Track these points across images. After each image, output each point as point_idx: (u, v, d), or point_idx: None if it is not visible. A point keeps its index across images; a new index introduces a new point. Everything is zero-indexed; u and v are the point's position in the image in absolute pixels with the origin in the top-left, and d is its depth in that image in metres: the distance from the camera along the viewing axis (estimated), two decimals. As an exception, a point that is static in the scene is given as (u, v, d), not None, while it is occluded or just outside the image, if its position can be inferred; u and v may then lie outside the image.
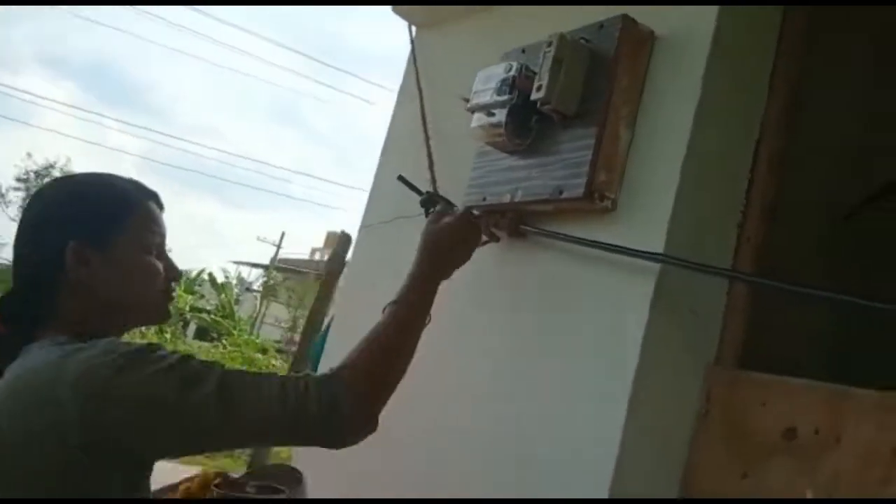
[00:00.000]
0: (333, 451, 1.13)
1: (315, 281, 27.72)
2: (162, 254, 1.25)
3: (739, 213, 1.49)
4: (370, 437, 1.14)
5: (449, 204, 1.86)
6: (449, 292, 1.38)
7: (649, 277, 1.40)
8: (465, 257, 1.43)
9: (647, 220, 1.44)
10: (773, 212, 1.47)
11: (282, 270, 28.93)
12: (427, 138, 2.02)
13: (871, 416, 1.21)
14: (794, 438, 1.29)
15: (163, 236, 1.26)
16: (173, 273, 1.27)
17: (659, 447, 1.40)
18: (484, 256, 1.70)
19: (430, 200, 1.88)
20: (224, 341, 18.14)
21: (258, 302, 26.71)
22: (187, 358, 1.06)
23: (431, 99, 2.16)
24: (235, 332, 19.42)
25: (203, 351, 15.91)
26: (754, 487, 1.32)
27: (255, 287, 29.46)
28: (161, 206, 1.28)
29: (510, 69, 1.59)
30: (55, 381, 1.01)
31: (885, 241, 1.51)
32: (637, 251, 1.39)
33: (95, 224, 1.19)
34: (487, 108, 1.62)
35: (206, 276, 22.03)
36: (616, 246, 1.42)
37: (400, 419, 1.73)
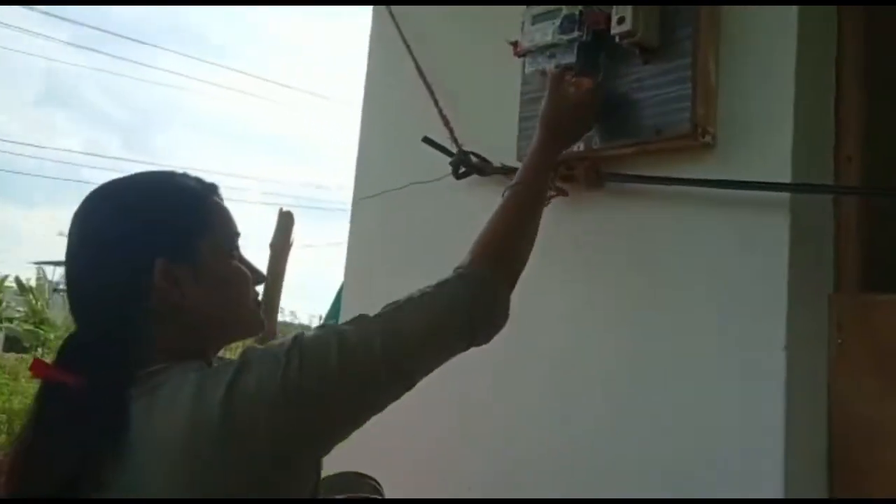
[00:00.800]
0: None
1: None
2: (241, 256, 1.07)
3: (833, 136, 1.44)
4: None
5: (485, 161, 1.71)
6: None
7: (779, 211, 1.32)
8: (586, 129, 1.42)
9: (758, 154, 1.36)
10: (868, 130, 1.42)
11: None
12: (433, 96, 1.82)
13: None
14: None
15: (239, 234, 1.07)
16: (260, 277, 1.09)
17: (808, 384, 1.34)
18: (554, 214, 1.56)
19: (461, 161, 1.72)
20: (40, 350, 16.65)
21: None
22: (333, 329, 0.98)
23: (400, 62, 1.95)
24: (52, 339, 17.95)
25: (22, 363, 14.40)
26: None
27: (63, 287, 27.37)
28: (222, 199, 1.08)
29: (575, 7, 1.44)
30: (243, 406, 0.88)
31: None
32: (774, 184, 1.30)
33: (178, 233, 1.00)
34: (549, 49, 1.46)
35: (12, 282, 20.01)
36: (746, 182, 1.32)
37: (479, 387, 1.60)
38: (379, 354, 0.96)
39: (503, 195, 1.21)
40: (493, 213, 1.19)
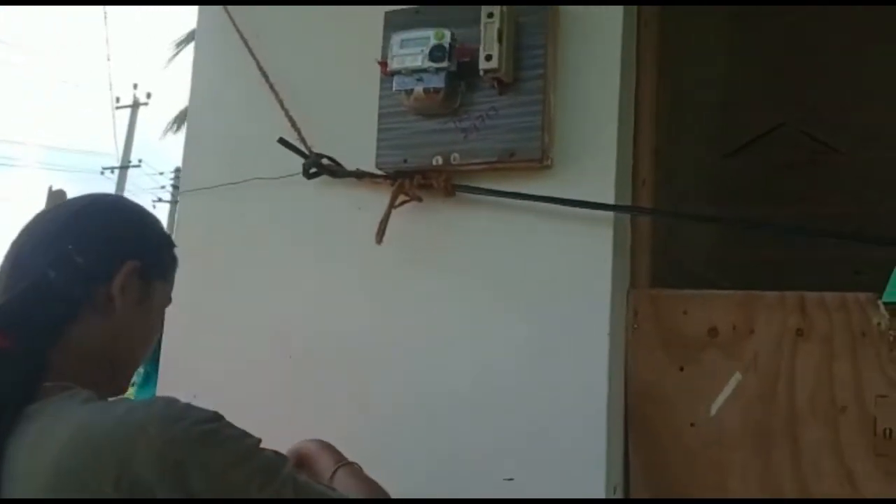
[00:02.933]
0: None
1: None
2: None
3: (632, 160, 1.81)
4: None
5: (338, 165, 1.85)
6: (382, 261, 1.55)
7: (604, 225, 1.66)
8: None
9: (586, 174, 1.68)
10: (658, 156, 1.82)
11: None
12: (278, 96, 1.91)
13: (775, 311, 1.67)
14: (716, 336, 1.71)
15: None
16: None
17: (616, 359, 1.70)
18: (411, 218, 1.77)
19: (315, 162, 1.85)
20: None
21: None
22: (253, 438, 0.94)
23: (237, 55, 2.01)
24: None
25: None
26: (691, 375, 1.71)
27: None
28: None
29: (443, 37, 1.64)
30: (132, 441, 0.85)
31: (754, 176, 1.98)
32: (603, 204, 1.63)
33: (156, 258, 1.10)
34: (418, 73, 1.66)
35: None
36: (581, 201, 1.64)
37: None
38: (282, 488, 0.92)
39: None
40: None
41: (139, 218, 1.11)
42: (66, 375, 0.96)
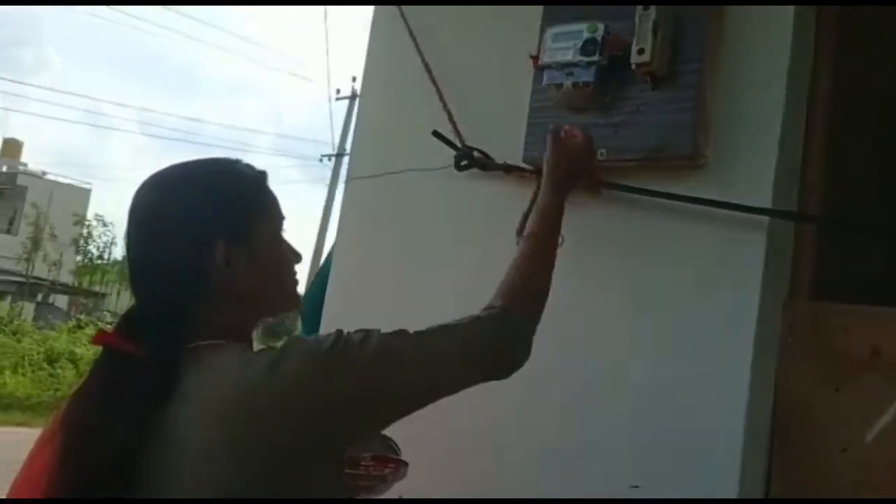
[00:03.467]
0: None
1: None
2: (285, 238, 1.19)
3: (800, 165, 1.69)
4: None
5: (489, 158, 1.87)
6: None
7: (757, 230, 1.57)
8: (587, 176, 1.56)
9: (743, 176, 1.59)
10: (830, 161, 1.69)
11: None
12: (438, 90, 1.97)
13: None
14: (879, 356, 1.56)
15: (284, 218, 1.19)
16: (298, 258, 1.20)
17: (763, 372, 1.60)
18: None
19: (466, 155, 1.88)
20: None
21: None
22: (372, 333, 1.07)
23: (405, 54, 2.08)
24: None
25: None
26: (848, 398, 1.58)
27: None
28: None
29: (596, 30, 1.62)
30: (279, 386, 0.99)
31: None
32: (758, 208, 1.54)
33: (238, 217, 1.11)
34: (568, 67, 1.64)
35: None
36: (734, 204, 1.56)
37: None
38: (414, 365, 1.09)
39: (517, 243, 1.38)
40: (514, 261, 1.32)
41: (201, 191, 1.11)
42: (227, 330, 1.07)
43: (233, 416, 0.97)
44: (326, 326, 2.12)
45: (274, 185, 1.18)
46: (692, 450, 1.56)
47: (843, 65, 1.73)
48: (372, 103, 2.19)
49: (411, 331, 1.12)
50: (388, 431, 1.22)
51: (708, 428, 1.55)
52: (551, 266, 1.34)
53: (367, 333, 1.06)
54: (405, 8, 2.11)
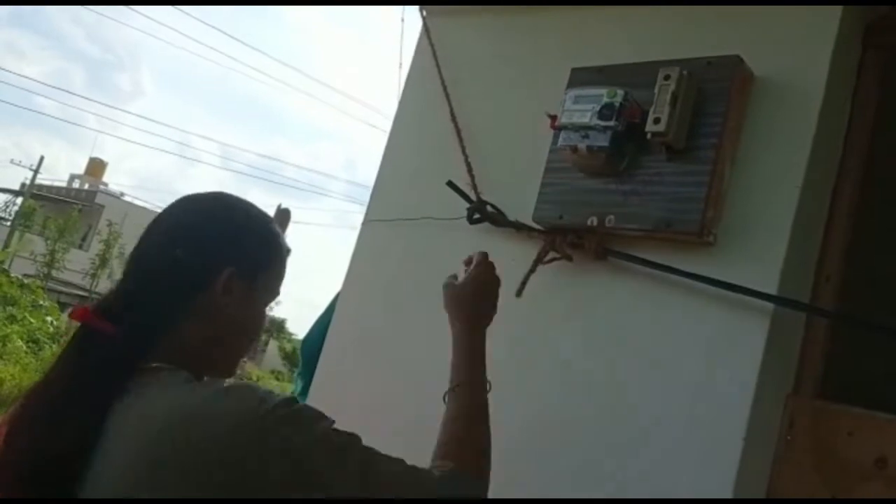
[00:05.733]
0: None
1: (77, 210, 25.60)
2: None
3: (817, 254, 1.61)
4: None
5: (501, 213, 1.84)
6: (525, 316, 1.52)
7: (761, 315, 1.49)
8: (492, 309, 1.33)
9: (753, 257, 1.52)
10: (849, 253, 1.60)
11: (41, 198, 26.37)
12: (461, 141, 1.96)
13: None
14: (885, 467, 1.45)
15: (279, 293, 1.22)
16: (263, 330, 1.23)
17: (755, 470, 1.50)
18: (558, 276, 1.71)
19: (479, 209, 1.86)
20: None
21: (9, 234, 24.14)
22: (327, 419, 1.01)
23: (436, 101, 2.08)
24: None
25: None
26: (845, 509, 1.47)
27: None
28: None
29: (615, 95, 1.59)
30: (213, 422, 0.94)
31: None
32: (764, 294, 1.46)
33: (255, 257, 1.14)
34: (585, 130, 1.61)
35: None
36: (735, 285, 1.49)
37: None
38: (352, 472, 0.98)
39: (445, 399, 1.22)
40: (446, 419, 1.20)
41: (235, 222, 1.14)
42: (173, 361, 1.04)
43: (157, 435, 0.94)
44: (322, 370, 2.09)
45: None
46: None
47: (879, 151, 1.66)
48: (398, 149, 2.19)
49: (362, 446, 1.03)
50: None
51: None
52: (487, 415, 1.21)
53: (322, 416, 1.01)
54: (441, 57, 2.12)
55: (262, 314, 1.18)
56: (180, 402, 0.97)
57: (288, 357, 25.88)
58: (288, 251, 1.21)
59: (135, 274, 1.11)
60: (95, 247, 26.04)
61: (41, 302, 14.97)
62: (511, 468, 1.67)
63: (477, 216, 1.86)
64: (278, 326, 28.64)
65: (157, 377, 1.01)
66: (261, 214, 1.19)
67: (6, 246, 22.46)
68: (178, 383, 1.01)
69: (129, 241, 25.21)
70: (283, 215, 2.96)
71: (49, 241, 23.53)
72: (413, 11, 2.19)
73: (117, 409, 0.98)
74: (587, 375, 1.66)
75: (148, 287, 1.08)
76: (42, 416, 1.00)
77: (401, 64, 2.35)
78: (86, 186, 30.45)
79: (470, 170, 1.92)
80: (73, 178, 32.07)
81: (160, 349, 1.04)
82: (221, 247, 1.11)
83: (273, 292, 1.19)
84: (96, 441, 0.96)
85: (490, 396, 1.23)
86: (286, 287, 1.21)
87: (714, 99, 1.57)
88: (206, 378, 1.05)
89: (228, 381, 1.03)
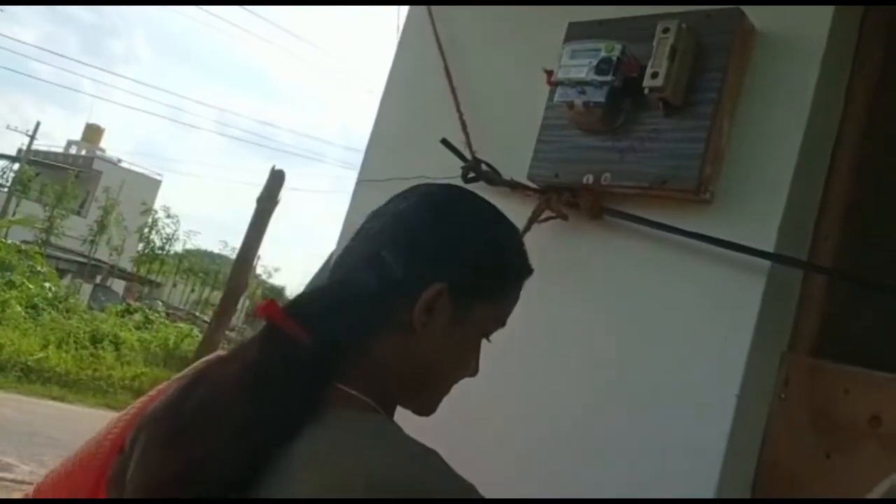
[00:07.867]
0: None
1: (74, 176, 25.49)
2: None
3: (816, 211, 1.59)
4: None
5: (496, 172, 1.82)
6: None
7: (758, 273, 1.47)
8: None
9: (750, 215, 1.51)
10: (848, 212, 1.58)
11: (37, 164, 26.25)
12: (456, 99, 1.93)
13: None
14: (879, 425, 1.45)
15: (503, 325, 1.03)
16: (474, 370, 1.02)
17: (748, 428, 1.50)
18: (554, 235, 1.70)
19: (474, 167, 1.83)
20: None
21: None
22: None
23: (435, 58, 2.05)
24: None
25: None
26: (839, 467, 1.47)
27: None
28: None
29: (613, 49, 1.56)
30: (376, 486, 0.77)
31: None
32: (761, 251, 1.45)
33: (477, 281, 0.96)
34: (581, 85, 1.58)
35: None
36: (734, 243, 1.47)
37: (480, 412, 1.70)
38: None
39: None
40: None
41: (465, 228, 0.97)
42: (361, 384, 0.88)
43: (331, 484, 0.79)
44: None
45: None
46: (665, 495, 1.47)
47: (880, 110, 1.63)
48: (391, 107, 2.16)
49: None
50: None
51: (681, 479, 1.46)
52: None
53: None
54: (436, 13, 2.08)
55: (471, 352, 0.99)
56: (366, 465, 0.79)
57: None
58: (529, 272, 1.04)
59: (341, 268, 0.97)
60: (94, 213, 26.04)
61: (39, 268, 14.97)
62: (496, 422, 1.68)
63: (472, 175, 1.84)
64: (278, 294, 28.68)
65: (346, 415, 0.86)
66: (504, 225, 1.02)
67: (3, 213, 22.41)
68: (368, 433, 0.84)
69: (126, 208, 25.28)
70: (278, 176, 2.96)
71: (47, 208, 23.49)
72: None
73: (296, 439, 0.82)
74: (581, 333, 1.65)
75: (346, 289, 0.94)
76: (209, 427, 0.84)
77: (398, 27, 2.31)
78: (83, 152, 30.30)
79: (465, 128, 1.89)
80: (70, 143, 31.91)
81: (356, 369, 0.89)
82: (438, 255, 0.94)
83: (489, 328, 1.00)
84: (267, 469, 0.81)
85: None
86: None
87: (714, 53, 1.54)
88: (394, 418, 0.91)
89: (423, 446, 0.84)
